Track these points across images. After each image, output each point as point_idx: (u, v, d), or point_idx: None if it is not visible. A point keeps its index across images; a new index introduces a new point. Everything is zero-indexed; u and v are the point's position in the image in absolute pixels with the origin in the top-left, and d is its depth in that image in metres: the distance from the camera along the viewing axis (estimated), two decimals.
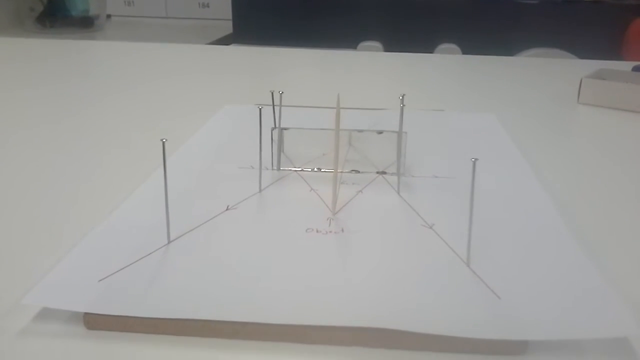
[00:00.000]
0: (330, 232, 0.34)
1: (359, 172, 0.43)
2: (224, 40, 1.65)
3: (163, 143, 0.31)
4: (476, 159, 0.30)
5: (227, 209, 0.37)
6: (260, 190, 0.40)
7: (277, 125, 0.43)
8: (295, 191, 0.40)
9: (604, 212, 0.40)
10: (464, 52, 1.48)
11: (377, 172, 0.43)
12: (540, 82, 0.76)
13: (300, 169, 0.43)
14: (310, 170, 0.43)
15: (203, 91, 0.71)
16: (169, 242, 0.33)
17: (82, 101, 0.65)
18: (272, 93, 0.43)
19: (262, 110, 0.39)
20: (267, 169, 0.43)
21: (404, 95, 0.42)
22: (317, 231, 0.34)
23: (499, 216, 0.37)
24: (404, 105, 0.39)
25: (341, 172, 0.43)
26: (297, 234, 0.34)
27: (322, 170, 0.43)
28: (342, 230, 0.35)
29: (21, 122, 0.57)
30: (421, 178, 0.42)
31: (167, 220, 0.33)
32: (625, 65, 0.73)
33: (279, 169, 0.43)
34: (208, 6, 2.01)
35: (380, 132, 0.43)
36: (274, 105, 0.43)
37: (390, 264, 0.31)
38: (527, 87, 0.74)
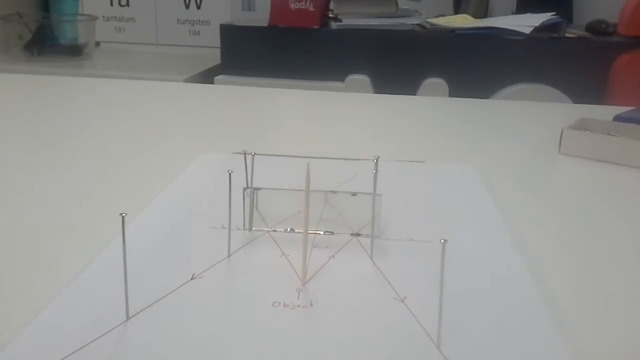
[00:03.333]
0: (299, 306, 0.33)
1: (333, 233, 0.42)
2: (213, 71, 1.65)
3: (122, 218, 0.30)
4: (445, 241, 0.29)
5: (192, 278, 0.36)
6: (228, 255, 0.39)
7: (249, 185, 0.42)
8: (266, 256, 0.39)
9: (585, 274, 0.39)
10: (451, 87, 1.49)
11: (352, 234, 0.42)
12: (522, 129, 0.76)
13: (272, 230, 0.42)
14: (282, 230, 0.42)
15: (183, 134, 0.70)
16: (128, 318, 0.31)
17: (52, 142, 0.64)
18: (245, 154, 0.42)
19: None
20: (239, 229, 0.42)
21: (378, 157, 0.41)
22: (284, 305, 0.33)
23: (473, 289, 0.36)
24: (376, 172, 0.38)
25: (314, 233, 0.42)
26: (263, 309, 0.33)
27: (295, 231, 0.42)
28: (311, 304, 0.33)
29: None
30: (396, 241, 0.41)
31: (125, 295, 0.31)
32: (608, 112, 0.73)
33: (250, 230, 0.42)
34: (199, 34, 2.02)
35: (354, 194, 0.42)
36: (246, 166, 0.42)
37: (357, 347, 0.30)
38: (508, 134, 0.74)
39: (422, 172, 0.56)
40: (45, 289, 0.35)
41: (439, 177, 0.55)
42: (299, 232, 0.42)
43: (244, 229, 0.42)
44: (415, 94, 1.45)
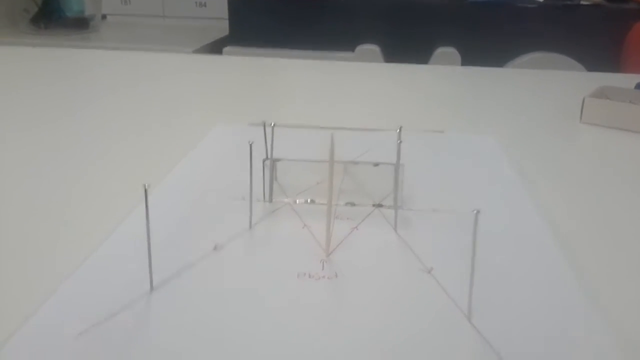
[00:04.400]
0: (324, 277, 0.33)
1: (354, 204, 0.41)
2: (221, 42, 1.63)
3: (145, 189, 0.30)
4: (478, 211, 0.28)
5: (214, 249, 0.35)
6: (250, 227, 0.38)
7: (269, 156, 0.42)
8: (288, 227, 0.38)
9: (609, 243, 0.38)
10: (463, 56, 1.46)
11: (373, 205, 0.41)
12: (540, 98, 0.75)
13: (292, 201, 0.42)
14: (303, 202, 0.42)
15: (195, 105, 0.69)
16: (152, 290, 0.31)
17: (62, 117, 0.63)
18: (264, 125, 0.41)
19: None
20: (259, 200, 0.42)
21: (401, 127, 0.40)
22: (309, 276, 0.33)
23: (501, 260, 0.35)
24: (399, 142, 0.37)
25: (335, 205, 0.41)
26: (288, 280, 0.32)
27: (315, 202, 0.41)
28: (336, 275, 0.33)
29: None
30: (419, 212, 0.41)
31: (149, 265, 0.31)
32: (629, 80, 0.71)
33: (270, 201, 0.42)
34: (205, 5, 1.99)
35: (376, 165, 0.41)
36: (265, 136, 0.41)
37: (385, 319, 0.29)
38: (526, 103, 0.72)
39: (441, 142, 0.55)
40: (64, 262, 0.34)
41: (460, 147, 0.54)
42: (320, 204, 0.41)
43: (264, 201, 0.42)
44: (427, 64, 1.43)
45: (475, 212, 0.28)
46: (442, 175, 0.48)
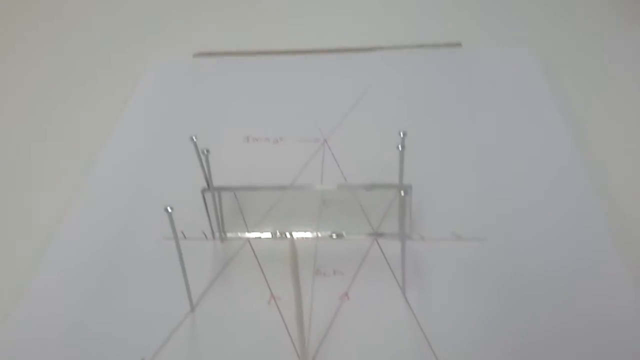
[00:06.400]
0: None
1: (342, 236, 0.29)
2: None
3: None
4: None
5: None
6: (192, 309, 0.26)
7: (209, 185, 0.28)
8: (247, 304, 0.26)
9: None
10: None
11: (370, 234, 0.29)
12: None
13: (253, 236, 0.29)
14: (268, 235, 0.29)
15: (123, 36, 0.52)
16: None
17: None
18: (201, 153, 0.27)
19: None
20: (206, 237, 0.29)
21: (404, 133, 0.26)
22: None
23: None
24: (403, 149, 0.23)
25: (317, 236, 0.29)
26: None
27: (284, 235, 0.29)
28: None
29: None
30: (436, 243, 0.28)
31: None
32: None
33: (222, 239, 0.29)
34: None
35: (369, 189, 0.27)
36: (201, 162, 0.27)
37: None
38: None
39: (460, 63, 0.40)
40: None
41: (484, 68, 0.39)
42: (290, 236, 0.29)
43: (214, 239, 0.29)
44: None
45: None
46: (467, 134, 0.34)
